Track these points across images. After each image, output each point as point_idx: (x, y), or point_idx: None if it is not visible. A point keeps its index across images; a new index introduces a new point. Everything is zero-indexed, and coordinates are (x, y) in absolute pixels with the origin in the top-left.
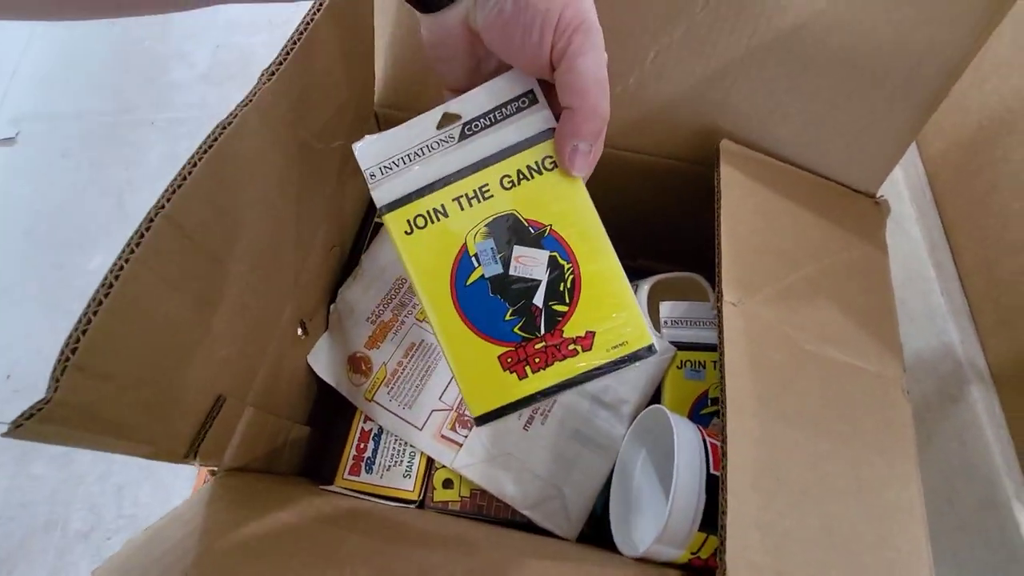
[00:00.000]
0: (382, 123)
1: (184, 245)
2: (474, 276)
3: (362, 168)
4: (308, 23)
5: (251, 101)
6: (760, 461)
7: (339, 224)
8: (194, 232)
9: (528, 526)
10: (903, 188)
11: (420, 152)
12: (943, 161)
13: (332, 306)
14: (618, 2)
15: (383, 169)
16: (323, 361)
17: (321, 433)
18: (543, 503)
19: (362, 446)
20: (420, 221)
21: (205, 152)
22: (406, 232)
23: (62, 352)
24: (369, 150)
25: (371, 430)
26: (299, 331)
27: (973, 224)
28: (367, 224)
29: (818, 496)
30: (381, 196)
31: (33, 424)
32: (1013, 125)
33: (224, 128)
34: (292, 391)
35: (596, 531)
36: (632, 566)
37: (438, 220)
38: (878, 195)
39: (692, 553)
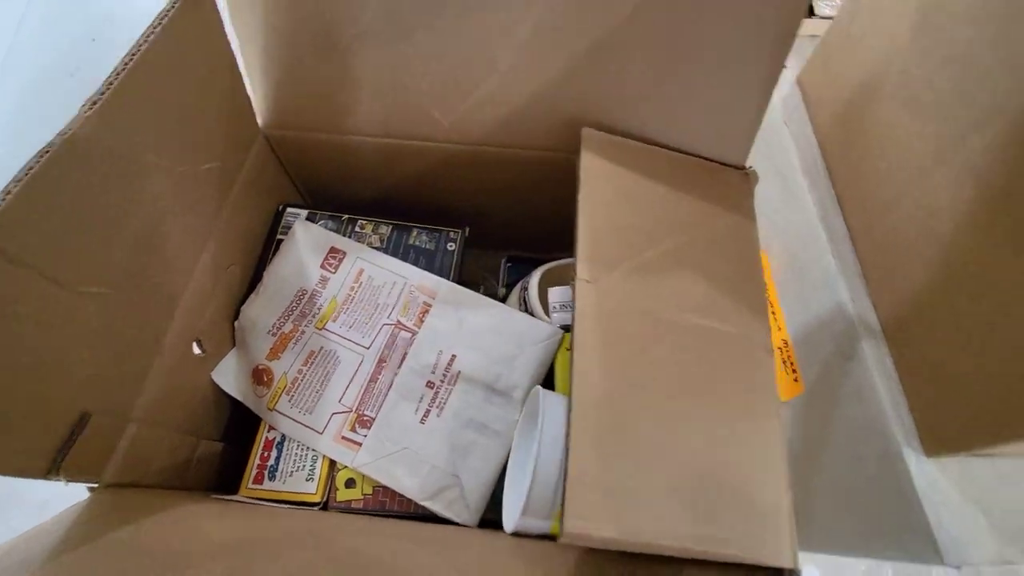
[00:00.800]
0: (275, 146)
1: (10, 271)
2: None
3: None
4: (134, 54)
5: (72, 131)
6: (605, 425)
7: (233, 243)
8: (21, 257)
9: (433, 517)
10: (796, 162)
11: None
12: (830, 131)
13: (236, 323)
14: (464, 15)
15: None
16: (229, 376)
17: (240, 448)
18: (441, 492)
19: (266, 455)
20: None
21: (20, 180)
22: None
23: None
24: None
25: (274, 439)
26: (196, 349)
27: (855, 188)
28: (271, 240)
29: (669, 456)
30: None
31: None
32: (876, 92)
33: (45, 154)
34: (195, 408)
35: (497, 516)
36: (504, 540)
37: None
38: (748, 166)
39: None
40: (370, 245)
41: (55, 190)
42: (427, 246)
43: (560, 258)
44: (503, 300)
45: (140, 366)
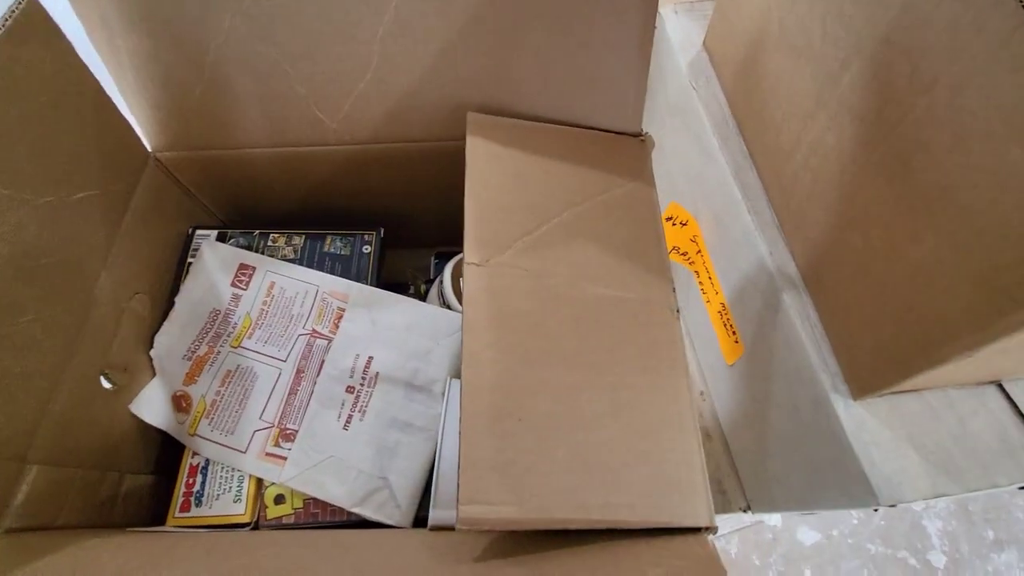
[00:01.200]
0: (171, 168)
1: None
2: None
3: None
4: None
5: None
6: (498, 405)
7: (137, 272)
8: None
9: (367, 523)
10: (707, 122)
11: None
12: (734, 88)
13: (151, 352)
14: (324, 10)
15: None
16: (152, 407)
17: (172, 480)
18: (370, 496)
19: (191, 481)
20: None
21: None
22: None
23: None
24: None
25: (199, 464)
26: (104, 383)
27: (761, 141)
28: (182, 264)
29: (568, 427)
30: None
31: None
32: (763, 43)
33: None
34: (113, 442)
35: None
36: (421, 536)
37: None
38: (643, 132)
39: None
40: (284, 257)
41: None
42: (342, 252)
43: (458, 251)
44: (423, 296)
45: (33, 406)
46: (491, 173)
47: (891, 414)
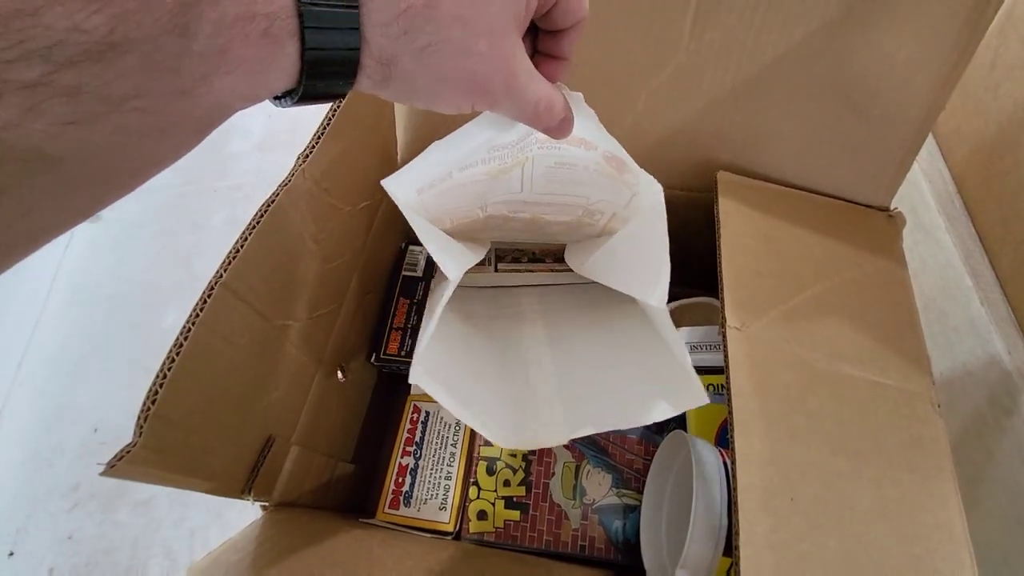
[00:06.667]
0: None
1: (239, 308)
2: None
3: None
4: (338, 104)
5: (289, 181)
6: (771, 481)
7: (372, 273)
8: (247, 296)
9: (564, 556)
10: (930, 198)
11: None
12: (968, 167)
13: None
14: (607, 52)
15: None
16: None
17: (368, 469)
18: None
19: (400, 481)
20: None
21: (253, 228)
22: None
23: (144, 403)
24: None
25: (408, 465)
26: (339, 375)
27: (1006, 228)
28: (396, 272)
29: (838, 517)
30: None
31: (123, 465)
32: None
33: (268, 206)
34: (335, 431)
35: (629, 558)
36: None
37: None
38: (892, 208)
39: None
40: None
41: (269, 237)
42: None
43: (676, 295)
44: None
45: (301, 392)
46: (744, 235)
47: None
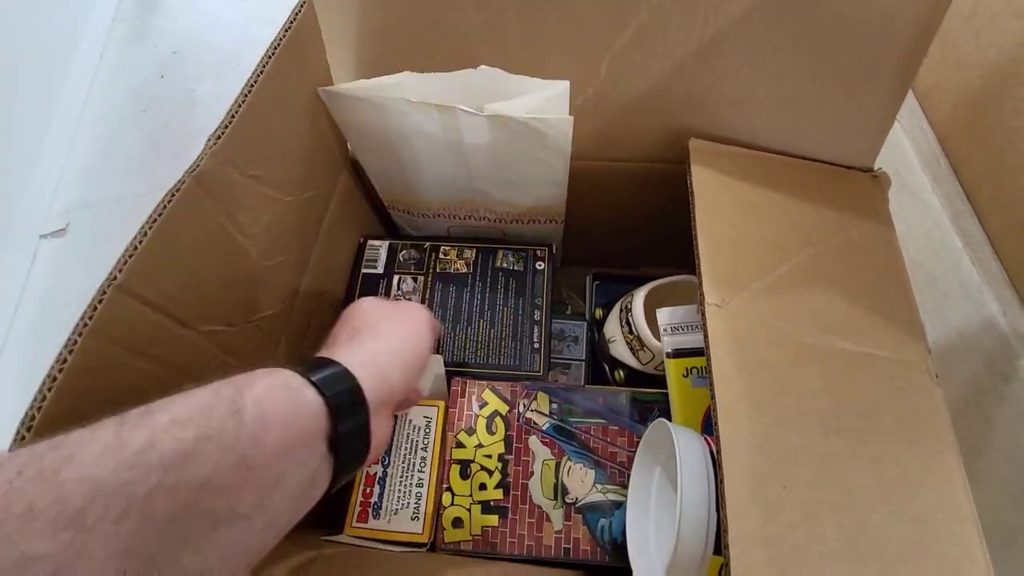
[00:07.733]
0: (362, 170)
1: (147, 313)
2: None
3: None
4: (249, 89)
5: (198, 167)
6: (760, 469)
7: (327, 271)
8: (156, 299)
9: (547, 561)
10: (913, 158)
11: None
12: (952, 123)
13: None
14: (562, 14)
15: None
16: None
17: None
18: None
19: (368, 491)
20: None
21: (154, 222)
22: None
23: (18, 431)
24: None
25: (375, 474)
26: None
27: (995, 184)
28: (357, 270)
29: (834, 503)
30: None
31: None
32: (1019, 75)
33: (172, 196)
34: None
35: (616, 559)
36: None
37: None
38: (875, 168)
39: None
40: (456, 271)
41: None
42: (515, 267)
43: (649, 272)
44: (599, 322)
45: None
46: (720, 206)
47: None
